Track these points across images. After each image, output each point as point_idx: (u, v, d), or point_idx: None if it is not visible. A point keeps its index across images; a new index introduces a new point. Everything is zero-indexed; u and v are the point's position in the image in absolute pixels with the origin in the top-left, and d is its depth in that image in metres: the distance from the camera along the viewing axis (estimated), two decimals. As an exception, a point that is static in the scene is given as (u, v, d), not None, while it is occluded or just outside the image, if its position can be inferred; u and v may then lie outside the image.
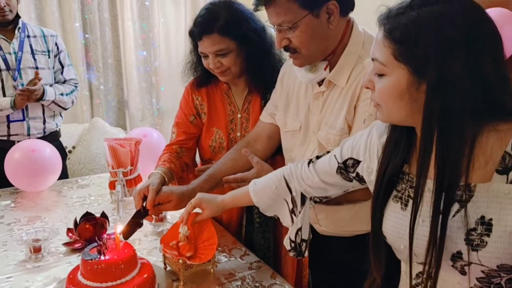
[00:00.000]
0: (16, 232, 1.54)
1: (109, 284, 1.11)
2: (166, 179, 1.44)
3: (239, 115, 1.57)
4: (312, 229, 1.45)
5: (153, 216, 1.43)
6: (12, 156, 1.87)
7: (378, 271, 0.90)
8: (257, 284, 1.27)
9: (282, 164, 1.43)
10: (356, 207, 1.25)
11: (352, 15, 1.22)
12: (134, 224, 1.34)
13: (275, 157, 1.50)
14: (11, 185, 1.94)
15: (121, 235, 1.23)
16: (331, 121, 1.21)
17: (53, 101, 2.22)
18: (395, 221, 0.87)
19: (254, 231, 1.58)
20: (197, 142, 1.65)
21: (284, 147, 1.41)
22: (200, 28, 1.41)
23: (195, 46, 1.49)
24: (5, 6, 2.08)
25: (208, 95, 1.59)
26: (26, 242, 1.38)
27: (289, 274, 1.61)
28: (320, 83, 1.24)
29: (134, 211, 1.37)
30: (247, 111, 1.55)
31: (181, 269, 1.25)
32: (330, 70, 1.21)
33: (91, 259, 1.13)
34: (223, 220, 1.65)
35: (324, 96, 1.24)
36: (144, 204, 1.35)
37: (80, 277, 1.14)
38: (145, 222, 1.41)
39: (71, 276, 1.17)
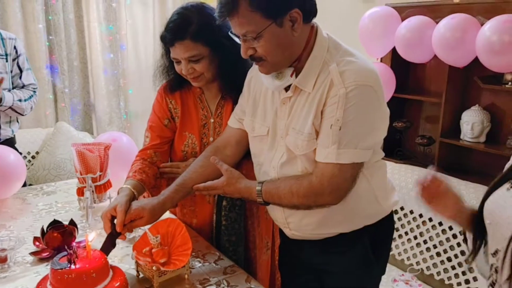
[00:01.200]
0: (-21, 242, 1.48)
1: (80, 293, 1.09)
2: (136, 193, 1.39)
3: (212, 120, 1.55)
4: (281, 233, 1.47)
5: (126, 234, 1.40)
6: (-27, 163, 1.79)
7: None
8: (231, 288, 1.27)
9: (250, 168, 1.43)
10: (324, 211, 1.26)
11: (316, 20, 1.23)
12: (108, 246, 1.30)
13: (242, 160, 1.49)
14: (-28, 193, 1.86)
15: (90, 243, 1.20)
16: (299, 126, 1.22)
17: (10, 107, 2.12)
18: (497, 197, 0.90)
19: (220, 234, 1.58)
20: (171, 146, 1.62)
21: (252, 152, 1.41)
22: (172, 34, 1.38)
23: (166, 51, 1.46)
24: None
25: (182, 99, 1.56)
26: (-9, 250, 1.33)
27: (263, 277, 1.62)
28: (287, 89, 1.25)
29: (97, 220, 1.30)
30: (220, 115, 1.55)
31: (155, 276, 1.23)
32: (296, 76, 1.22)
33: (61, 268, 1.10)
34: (193, 225, 1.63)
35: (291, 102, 1.24)
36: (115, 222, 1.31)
37: (49, 287, 1.11)
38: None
39: (40, 287, 1.13)
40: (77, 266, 1.11)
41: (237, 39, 1.19)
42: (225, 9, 1.14)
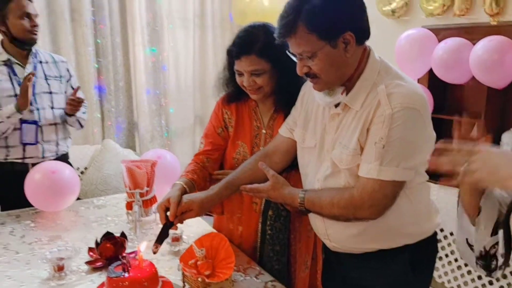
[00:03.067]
0: (38, 251, 1.60)
1: (134, 300, 1.17)
2: (187, 189, 1.50)
3: (263, 131, 1.64)
4: (324, 247, 1.51)
5: (177, 225, 1.48)
6: (33, 177, 1.94)
7: None
8: (272, 302, 1.32)
9: (297, 178, 1.49)
10: (364, 225, 1.30)
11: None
12: (162, 235, 1.40)
13: (290, 171, 1.56)
14: (29, 205, 2.00)
15: (142, 253, 1.29)
16: (345, 142, 1.28)
17: (77, 119, 2.31)
18: None
19: (265, 243, 1.64)
20: (223, 154, 1.71)
21: (300, 162, 1.47)
22: (240, 48, 1.50)
23: (230, 64, 1.57)
24: (37, 25, 2.16)
25: (237, 110, 1.67)
26: (51, 260, 1.44)
27: None
28: (336, 105, 1.32)
29: (151, 231, 1.40)
30: (271, 127, 1.63)
31: (200, 287, 1.30)
32: (347, 94, 1.28)
33: (117, 277, 1.19)
34: (239, 232, 1.69)
35: (340, 118, 1.31)
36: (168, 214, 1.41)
37: (105, 295, 1.20)
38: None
39: (96, 294, 1.23)
40: (131, 274, 1.20)
41: (293, 57, 1.27)
42: (284, 31, 1.22)
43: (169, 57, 3.77)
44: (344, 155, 1.27)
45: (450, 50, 2.37)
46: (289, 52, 1.28)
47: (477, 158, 0.92)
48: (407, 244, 1.34)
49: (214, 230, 1.71)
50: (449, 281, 2.35)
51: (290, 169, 1.55)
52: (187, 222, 1.45)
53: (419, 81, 2.72)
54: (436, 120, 2.72)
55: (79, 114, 2.30)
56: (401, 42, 2.56)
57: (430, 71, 2.61)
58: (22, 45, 2.19)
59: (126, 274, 1.20)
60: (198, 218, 1.64)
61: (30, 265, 1.52)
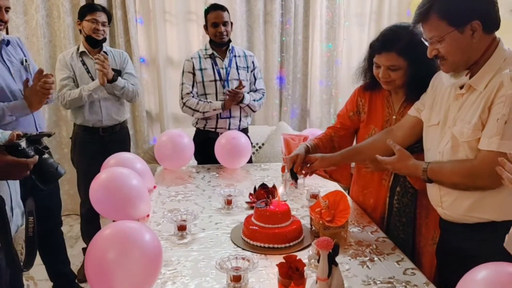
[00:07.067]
0: (217, 191, 2.21)
1: (270, 226, 1.65)
2: (310, 149, 1.91)
3: (394, 117, 1.87)
4: (440, 219, 1.64)
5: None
6: (220, 142, 2.62)
7: None
8: (378, 251, 1.63)
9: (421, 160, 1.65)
10: (479, 194, 1.42)
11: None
12: (293, 175, 1.87)
13: (419, 154, 1.69)
14: (217, 162, 2.70)
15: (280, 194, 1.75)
16: (468, 118, 1.44)
17: (247, 105, 2.91)
18: None
19: (392, 214, 1.89)
20: (350, 134, 2.03)
21: (424, 139, 1.66)
22: (382, 44, 1.70)
23: (370, 56, 1.81)
24: (224, 31, 2.85)
25: (371, 99, 1.94)
26: (223, 196, 2.04)
27: (427, 266, 1.80)
28: (461, 87, 1.50)
29: (296, 190, 1.86)
30: (401, 114, 1.84)
31: (320, 229, 1.70)
32: (471, 77, 1.45)
33: (261, 207, 1.69)
34: (370, 203, 1.97)
35: (464, 98, 1.48)
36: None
37: (253, 219, 1.71)
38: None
39: (248, 218, 1.75)
40: (271, 207, 1.68)
41: (426, 42, 1.49)
42: (419, 18, 1.43)
43: (343, 52, 4.16)
44: (465, 129, 1.43)
45: None
46: (423, 39, 1.48)
47: None
48: None
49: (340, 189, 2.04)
50: None
51: (419, 152, 1.71)
52: (326, 185, 1.84)
53: None
54: None
55: (248, 101, 2.87)
56: None
57: None
58: (216, 45, 2.90)
59: (267, 207, 1.69)
60: (336, 186, 2.01)
61: (211, 198, 2.16)
